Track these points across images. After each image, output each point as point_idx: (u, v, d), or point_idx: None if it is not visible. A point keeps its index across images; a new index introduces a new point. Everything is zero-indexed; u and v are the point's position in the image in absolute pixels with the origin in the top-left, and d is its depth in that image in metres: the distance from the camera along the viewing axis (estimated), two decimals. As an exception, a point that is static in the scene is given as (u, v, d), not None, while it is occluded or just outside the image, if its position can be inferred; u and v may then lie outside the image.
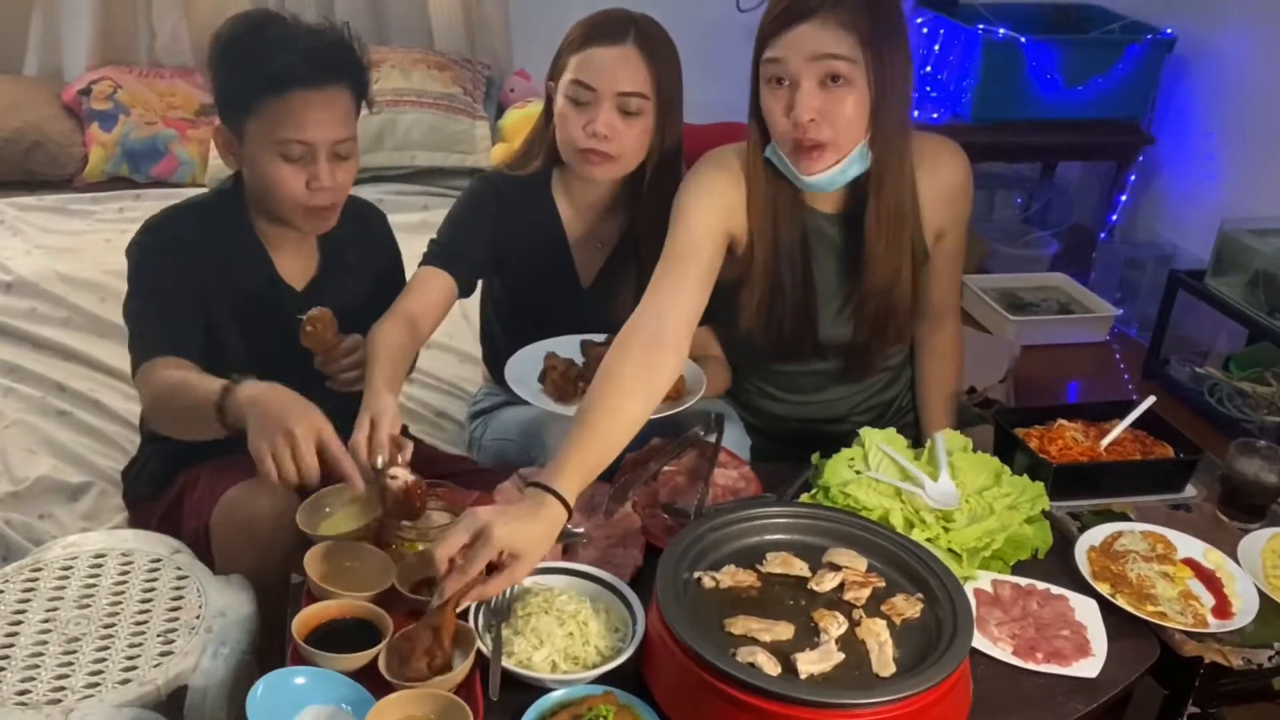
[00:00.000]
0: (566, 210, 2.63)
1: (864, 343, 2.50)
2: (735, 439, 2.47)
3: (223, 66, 2.26)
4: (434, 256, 2.54)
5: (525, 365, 2.47)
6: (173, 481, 2.40)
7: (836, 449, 2.28)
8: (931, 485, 2.18)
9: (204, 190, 2.44)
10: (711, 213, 2.34)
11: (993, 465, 2.26)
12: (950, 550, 2.08)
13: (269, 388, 2.01)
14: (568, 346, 2.51)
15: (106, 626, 1.96)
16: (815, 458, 2.32)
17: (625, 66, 2.43)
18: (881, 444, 2.28)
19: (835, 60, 2.15)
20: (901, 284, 2.41)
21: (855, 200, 2.37)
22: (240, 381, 2.03)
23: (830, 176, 2.26)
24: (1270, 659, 1.95)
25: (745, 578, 1.90)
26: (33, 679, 1.83)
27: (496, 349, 2.76)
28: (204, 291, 2.32)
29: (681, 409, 2.34)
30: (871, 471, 2.23)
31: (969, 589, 1.97)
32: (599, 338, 2.48)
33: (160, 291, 2.30)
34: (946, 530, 2.11)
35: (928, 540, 2.07)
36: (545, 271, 2.64)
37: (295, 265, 2.44)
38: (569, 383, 2.39)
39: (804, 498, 2.22)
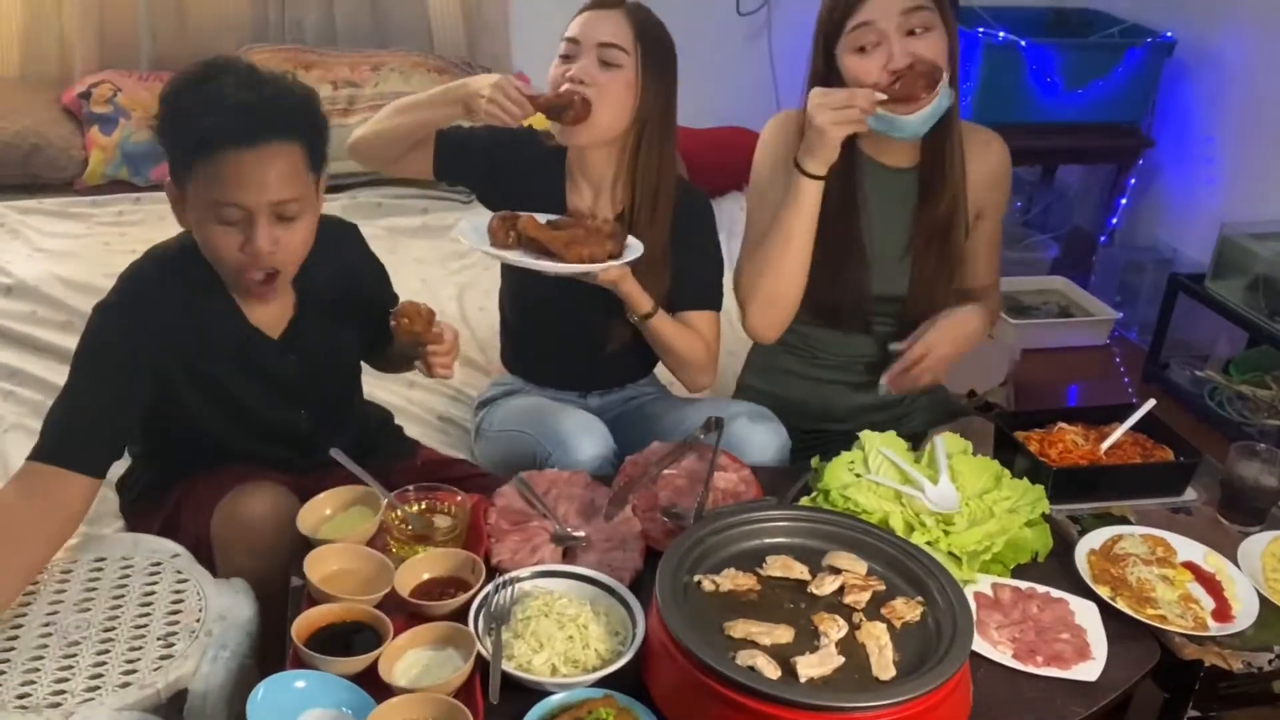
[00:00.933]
0: (573, 184, 2.65)
1: (916, 295, 2.65)
2: (771, 439, 2.50)
3: (164, 125, 2.14)
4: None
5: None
6: (169, 492, 2.39)
7: (837, 452, 2.29)
8: (931, 488, 2.18)
9: (169, 241, 2.30)
10: (779, 164, 2.57)
11: (992, 468, 2.26)
12: (950, 553, 2.08)
13: None
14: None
15: (106, 630, 1.96)
16: (815, 461, 2.33)
17: (608, 21, 2.50)
18: (882, 447, 2.28)
19: (922, 10, 2.39)
20: (959, 225, 2.62)
21: (919, 152, 2.58)
22: None
23: (929, 113, 2.42)
24: (1270, 662, 1.95)
25: (745, 581, 1.90)
26: (33, 682, 1.82)
27: (513, 335, 2.84)
28: (159, 361, 2.20)
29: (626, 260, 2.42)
30: (871, 475, 2.23)
31: (969, 592, 1.98)
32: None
33: (88, 391, 2.16)
34: (946, 534, 2.11)
35: (927, 544, 2.08)
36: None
37: (269, 313, 2.32)
38: (504, 230, 2.41)
39: (803, 501, 2.23)
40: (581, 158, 2.60)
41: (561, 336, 2.71)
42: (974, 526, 2.12)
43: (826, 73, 2.51)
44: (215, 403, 2.29)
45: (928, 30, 2.40)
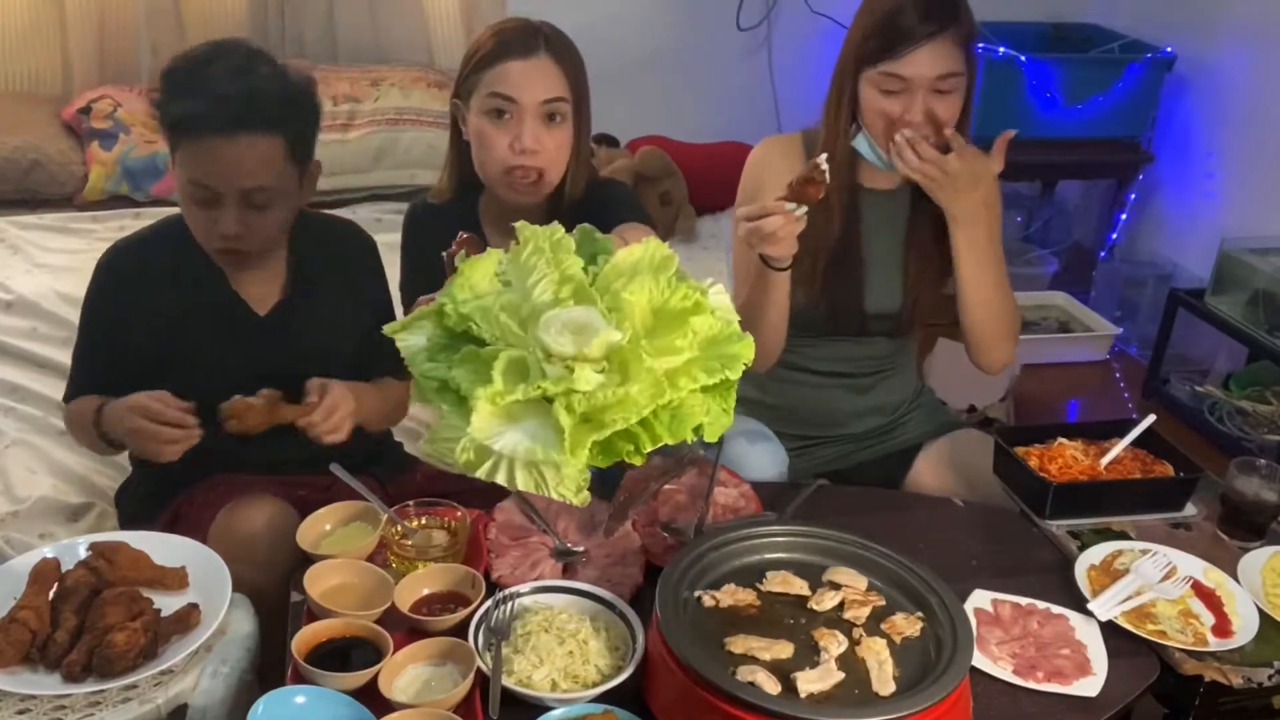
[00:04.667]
0: (492, 234, 2.55)
1: (908, 312, 2.67)
2: (769, 460, 2.49)
3: (160, 98, 2.24)
4: (404, 299, 2.64)
5: None
6: (167, 504, 2.40)
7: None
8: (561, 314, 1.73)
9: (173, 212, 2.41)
10: (758, 194, 2.56)
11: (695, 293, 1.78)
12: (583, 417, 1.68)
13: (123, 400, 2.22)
14: None
15: (106, 645, 1.96)
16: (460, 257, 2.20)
17: (541, 74, 2.43)
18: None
19: (954, 77, 2.42)
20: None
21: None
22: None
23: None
24: (1270, 677, 1.95)
25: (745, 596, 1.90)
26: (33, 697, 1.82)
27: None
28: (153, 324, 2.35)
29: None
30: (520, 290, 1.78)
31: (969, 608, 1.98)
32: None
33: (92, 332, 2.42)
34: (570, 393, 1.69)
35: (543, 399, 1.69)
36: None
37: (259, 290, 2.41)
38: None
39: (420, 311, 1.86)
40: (507, 208, 2.49)
41: None
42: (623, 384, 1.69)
43: (851, 89, 2.51)
44: (200, 383, 2.29)
45: (954, 91, 2.44)
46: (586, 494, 1.67)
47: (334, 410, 2.27)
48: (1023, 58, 4.82)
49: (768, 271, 2.42)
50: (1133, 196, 5.22)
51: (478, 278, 1.79)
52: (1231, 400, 4.18)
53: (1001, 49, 4.81)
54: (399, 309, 2.61)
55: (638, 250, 1.78)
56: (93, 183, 4.34)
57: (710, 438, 1.75)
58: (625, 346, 1.70)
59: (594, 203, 2.51)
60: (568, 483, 1.66)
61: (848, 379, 2.73)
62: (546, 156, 2.44)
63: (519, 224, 1.81)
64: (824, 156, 2.16)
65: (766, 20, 5.31)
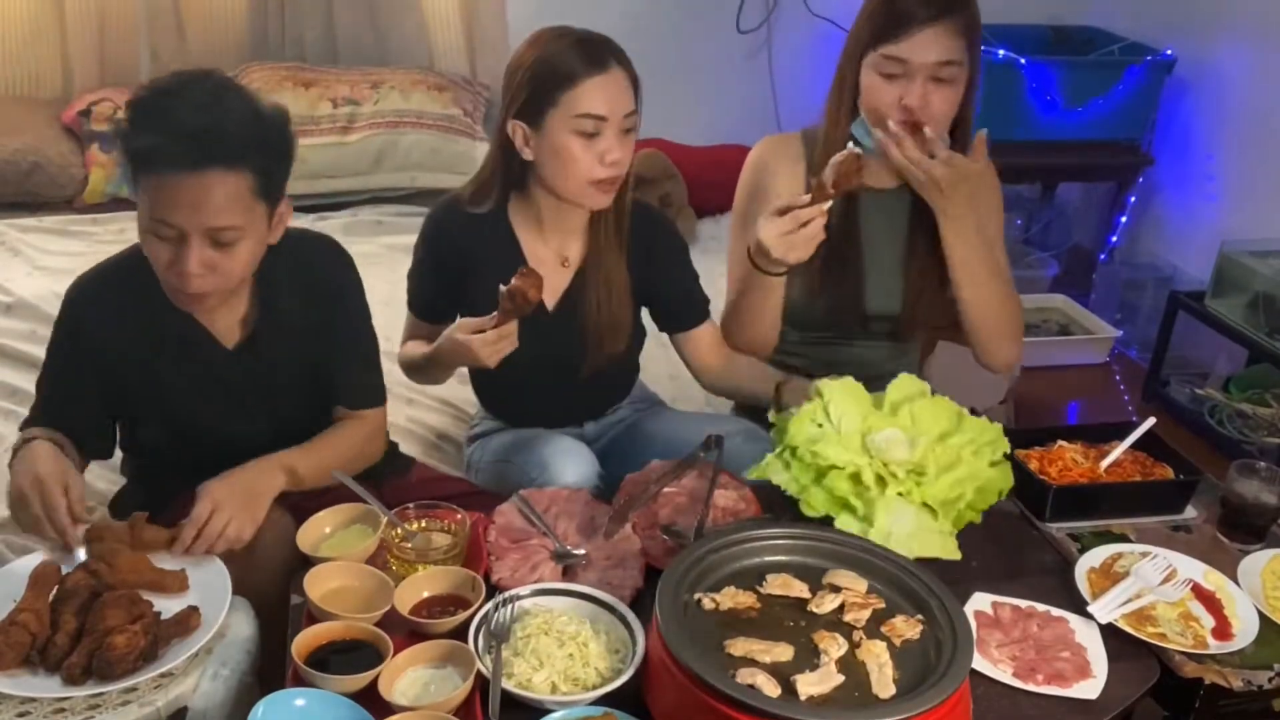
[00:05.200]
0: (527, 236, 2.57)
1: (909, 314, 2.70)
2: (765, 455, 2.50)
3: (124, 129, 2.11)
4: (411, 306, 2.69)
5: None
6: (164, 510, 2.38)
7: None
8: (881, 435, 2.21)
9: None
10: (758, 193, 2.65)
11: (951, 409, 2.27)
12: (925, 505, 2.09)
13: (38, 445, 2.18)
14: None
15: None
16: (772, 414, 2.34)
17: (621, 89, 2.41)
18: (842, 395, 2.29)
19: (954, 65, 2.45)
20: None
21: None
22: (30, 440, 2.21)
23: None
24: (1270, 680, 1.95)
25: (745, 599, 1.90)
26: (33, 699, 1.82)
27: (477, 377, 2.81)
28: (121, 358, 2.27)
29: None
30: (834, 425, 2.23)
31: (969, 611, 1.98)
32: None
33: (55, 364, 2.35)
34: (919, 484, 2.11)
35: (899, 495, 2.09)
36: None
37: (226, 321, 2.32)
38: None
39: (768, 459, 2.22)
40: (563, 211, 2.54)
41: (535, 385, 2.66)
42: (944, 473, 2.12)
43: (853, 77, 2.53)
44: (172, 415, 2.31)
45: (952, 82, 2.46)
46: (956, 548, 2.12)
47: (202, 520, 2.13)
48: (1023, 60, 4.83)
49: (764, 276, 2.42)
50: (1133, 199, 5.23)
51: (800, 428, 2.22)
52: (1231, 403, 4.19)
53: (1001, 51, 4.82)
54: (391, 318, 2.60)
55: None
56: (93, 185, 4.35)
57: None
58: (928, 447, 2.19)
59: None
60: (949, 544, 2.12)
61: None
62: (625, 165, 2.45)
63: (820, 382, 2.28)
64: (850, 145, 2.32)
65: (766, 23, 5.31)
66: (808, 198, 2.34)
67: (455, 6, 5.08)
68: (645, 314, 2.73)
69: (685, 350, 2.75)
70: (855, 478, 2.11)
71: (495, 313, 2.29)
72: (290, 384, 2.39)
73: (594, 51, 2.39)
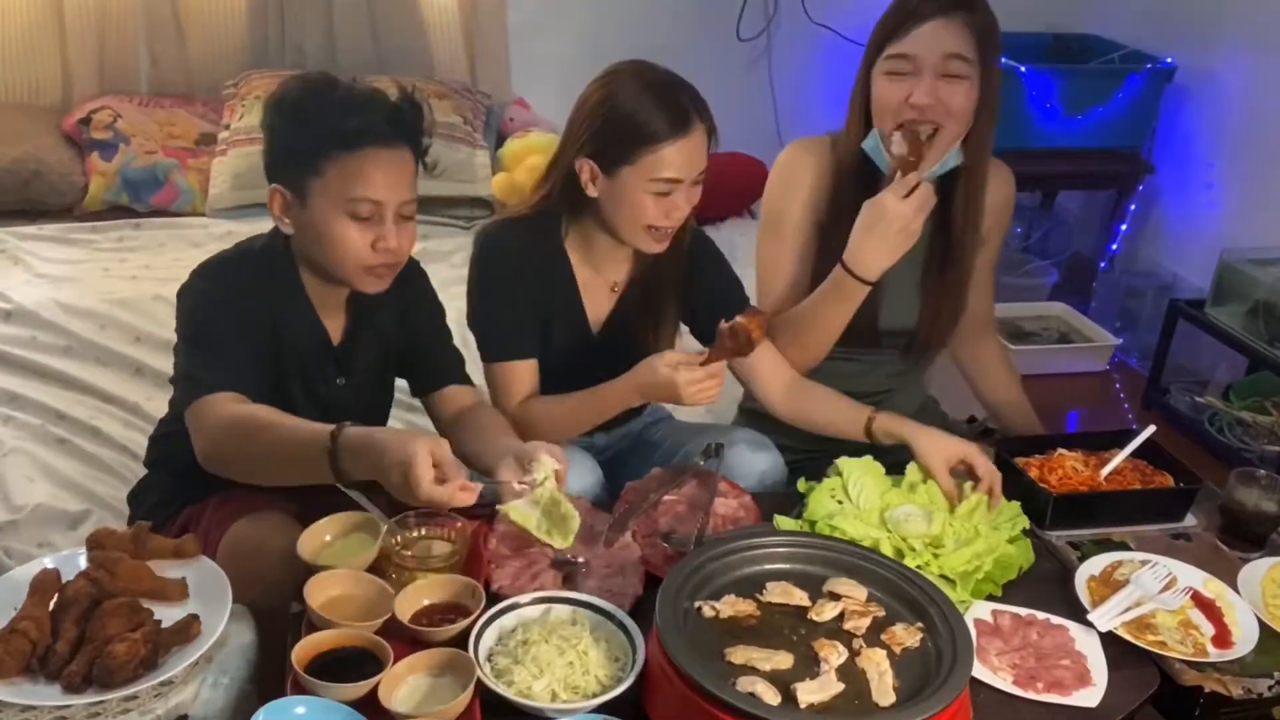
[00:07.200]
0: (577, 255, 2.53)
1: (925, 332, 2.71)
2: (769, 468, 2.50)
3: (290, 124, 2.17)
4: (499, 352, 2.51)
5: None
6: (176, 515, 2.39)
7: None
8: (899, 510, 2.25)
9: (251, 239, 2.34)
10: (810, 200, 2.63)
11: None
12: (943, 577, 2.09)
13: (377, 430, 2.00)
14: None
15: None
16: (801, 484, 2.34)
17: (700, 153, 2.37)
18: (861, 474, 2.33)
19: (960, 60, 2.42)
20: (968, 259, 2.65)
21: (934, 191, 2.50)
22: (343, 427, 1.98)
23: (936, 169, 2.48)
24: (1270, 688, 1.95)
25: (745, 607, 1.90)
26: (33, 707, 1.82)
27: None
28: (263, 337, 2.26)
29: None
30: (853, 501, 2.26)
31: (969, 619, 1.98)
32: None
33: (219, 334, 2.20)
34: (936, 556, 2.11)
35: (918, 567, 2.08)
36: (554, 319, 2.53)
37: (332, 319, 2.37)
38: None
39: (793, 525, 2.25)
40: (620, 245, 2.48)
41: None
42: (962, 547, 2.14)
43: (866, 86, 2.52)
44: (295, 400, 2.31)
45: (960, 79, 2.42)
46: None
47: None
48: (1023, 68, 4.83)
49: (855, 285, 2.43)
50: (1133, 207, 5.23)
51: (819, 502, 2.27)
52: (1231, 411, 4.19)
53: (1001, 59, 4.81)
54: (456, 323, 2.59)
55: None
56: (93, 193, 4.35)
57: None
58: (946, 521, 2.24)
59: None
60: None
61: (858, 395, 2.71)
62: (687, 214, 2.42)
63: (841, 461, 2.34)
64: (901, 129, 2.40)
65: (766, 31, 5.32)
66: None
67: (455, 14, 5.07)
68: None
69: (743, 373, 2.64)
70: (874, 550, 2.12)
71: (703, 349, 2.25)
72: (373, 390, 2.46)
73: (679, 112, 2.32)
